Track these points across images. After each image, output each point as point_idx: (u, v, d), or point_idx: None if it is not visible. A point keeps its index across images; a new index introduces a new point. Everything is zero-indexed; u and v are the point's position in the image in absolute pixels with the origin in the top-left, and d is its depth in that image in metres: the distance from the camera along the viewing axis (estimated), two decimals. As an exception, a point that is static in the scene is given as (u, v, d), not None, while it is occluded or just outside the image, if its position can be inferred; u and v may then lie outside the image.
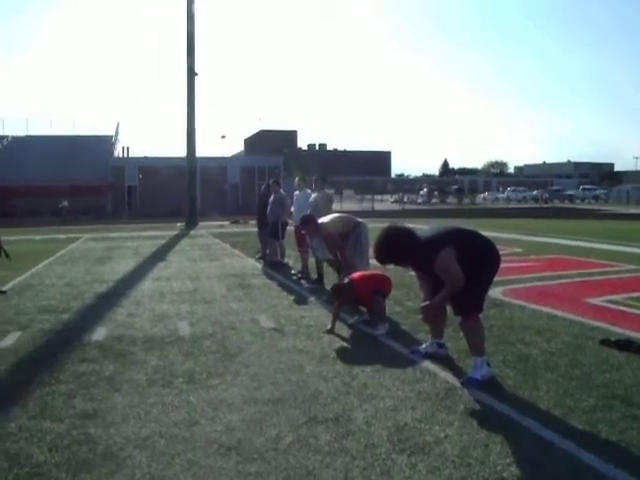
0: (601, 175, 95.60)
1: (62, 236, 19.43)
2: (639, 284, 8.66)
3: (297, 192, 10.28)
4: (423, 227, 5.03)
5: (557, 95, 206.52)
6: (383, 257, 4.61)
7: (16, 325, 6.44)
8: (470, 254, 4.43)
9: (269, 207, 11.03)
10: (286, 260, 11.08)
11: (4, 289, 8.60)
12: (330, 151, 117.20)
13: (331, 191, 9.39)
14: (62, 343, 5.73)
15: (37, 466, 3.17)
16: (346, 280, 6.23)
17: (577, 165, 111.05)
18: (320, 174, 9.47)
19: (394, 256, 4.60)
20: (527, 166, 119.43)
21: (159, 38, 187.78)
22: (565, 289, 8.26)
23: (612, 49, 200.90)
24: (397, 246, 4.53)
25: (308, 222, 7.47)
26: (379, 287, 6.12)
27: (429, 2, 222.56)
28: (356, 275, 6.22)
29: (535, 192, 54.06)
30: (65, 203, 35.14)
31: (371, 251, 4.85)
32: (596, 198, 54.21)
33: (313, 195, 9.14)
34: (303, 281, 9.21)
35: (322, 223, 7.31)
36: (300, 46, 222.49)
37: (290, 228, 10.71)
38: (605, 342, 5.33)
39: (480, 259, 4.52)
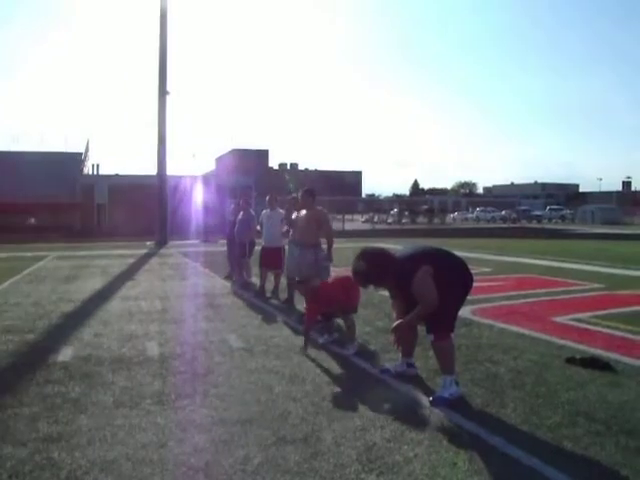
0: (567, 196, 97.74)
1: (29, 254, 19.04)
2: (604, 302, 8.85)
3: (266, 211, 10.11)
4: (397, 247, 5.10)
5: (524, 117, 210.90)
6: (363, 279, 4.66)
7: (-22, 346, 6.28)
8: (444, 273, 4.51)
9: (237, 226, 11.03)
10: (253, 279, 11.01)
11: None
12: (301, 171, 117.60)
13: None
14: (26, 364, 5.59)
15: (-2, 492, 3.09)
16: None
17: (544, 186, 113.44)
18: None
19: (373, 277, 4.64)
20: (495, 186, 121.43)
21: (131, 55, 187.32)
22: (532, 308, 8.39)
23: (575, 73, 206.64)
24: (376, 267, 4.58)
25: (310, 194, 7.55)
26: (347, 293, 6.02)
27: (398, 27, 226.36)
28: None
29: (503, 212, 54.92)
30: (32, 220, 34.55)
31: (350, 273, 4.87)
32: (562, 218, 55.32)
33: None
34: (274, 300, 9.18)
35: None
36: (272, 66, 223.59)
37: (257, 248, 10.69)
38: (571, 360, 5.43)
39: (454, 279, 4.60)
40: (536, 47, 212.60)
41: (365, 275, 4.62)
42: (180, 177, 37.32)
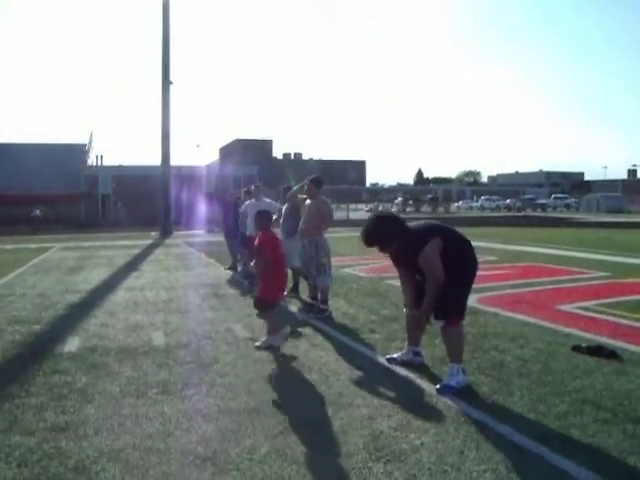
0: (572, 184, 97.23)
1: (34, 245, 19.10)
2: (609, 291, 8.82)
3: (250, 201, 9.97)
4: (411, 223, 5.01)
5: (529, 105, 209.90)
6: (369, 237, 4.62)
7: (-15, 337, 6.31)
8: (455, 250, 4.53)
9: (240, 217, 11.02)
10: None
11: None
12: (305, 160, 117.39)
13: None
14: (33, 354, 5.62)
15: (6, 481, 3.11)
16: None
17: (549, 174, 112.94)
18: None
19: (380, 237, 4.61)
20: (500, 175, 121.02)
21: (134, 46, 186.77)
22: (538, 296, 8.37)
23: (585, 60, 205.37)
24: (385, 228, 4.59)
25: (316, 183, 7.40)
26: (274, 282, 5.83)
27: (400, 16, 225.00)
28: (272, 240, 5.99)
29: (508, 201, 54.73)
30: (37, 212, 34.68)
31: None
32: (567, 207, 55.08)
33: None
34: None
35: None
36: (275, 55, 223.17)
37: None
38: (577, 348, 5.42)
39: (464, 258, 4.62)
40: (542, 33, 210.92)
41: (372, 233, 4.61)
42: (184, 167, 37.31)
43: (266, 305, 5.86)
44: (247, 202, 10.06)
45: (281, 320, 6.05)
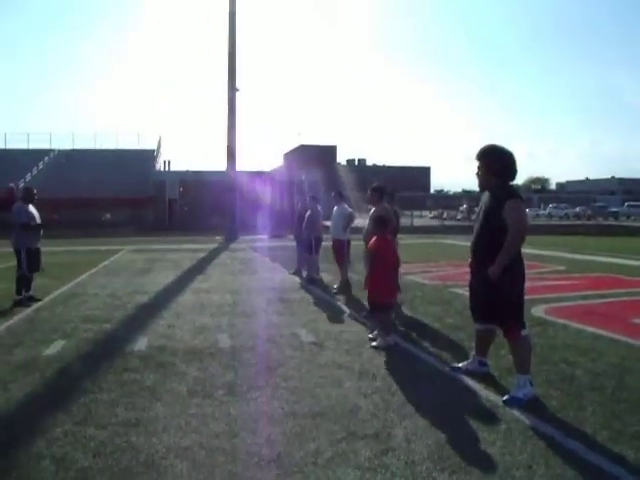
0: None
1: (104, 248, 19.84)
2: (689, 305, 8.37)
3: (336, 207, 10.21)
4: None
5: (601, 110, 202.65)
6: (486, 151, 4.72)
7: (61, 333, 6.60)
8: (519, 255, 4.53)
9: (305, 222, 11.10)
10: (320, 275, 11.05)
11: (39, 297, 8.86)
12: (369, 166, 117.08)
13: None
14: (105, 352, 5.84)
15: (82, 471, 3.24)
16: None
17: (621, 181, 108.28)
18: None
19: (493, 158, 4.68)
20: (569, 182, 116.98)
21: (201, 53, 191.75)
22: (610, 308, 8.04)
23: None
24: (505, 157, 4.66)
25: (377, 191, 7.44)
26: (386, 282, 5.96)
27: (471, 22, 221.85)
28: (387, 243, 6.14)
29: (577, 209, 52.85)
30: (108, 215, 36.05)
31: None
32: (642, 215, 52.63)
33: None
34: (339, 296, 9.15)
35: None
36: (340, 62, 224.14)
37: (327, 243, 10.74)
38: (654, 364, 5.17)
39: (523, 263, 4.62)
40: (613, 36, 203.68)
41: (490, 150, 4.71)
42: (249, 173, 37.90)
43: (378, 307, 6.01)
44: (335, 208, 10.19)
45: (390, 323, 6.24)
